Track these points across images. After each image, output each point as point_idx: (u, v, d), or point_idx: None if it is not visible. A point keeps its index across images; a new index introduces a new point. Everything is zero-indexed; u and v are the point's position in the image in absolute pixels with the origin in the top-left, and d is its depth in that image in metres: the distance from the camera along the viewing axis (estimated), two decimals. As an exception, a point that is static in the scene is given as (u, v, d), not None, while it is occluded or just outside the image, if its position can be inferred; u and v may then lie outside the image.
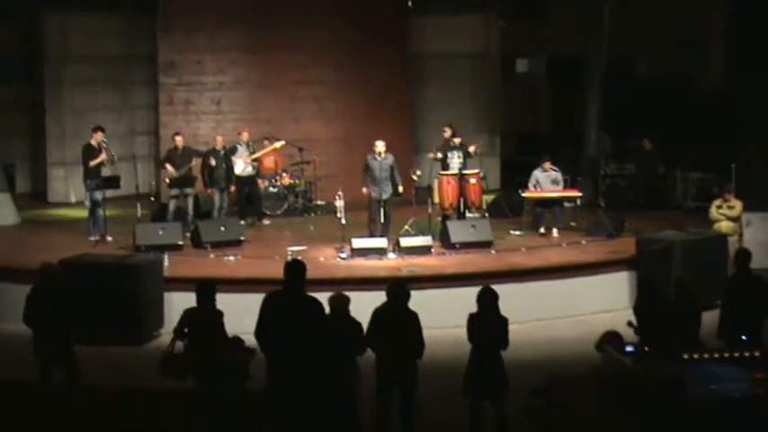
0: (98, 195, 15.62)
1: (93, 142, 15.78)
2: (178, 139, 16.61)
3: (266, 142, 18.25)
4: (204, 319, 9.12)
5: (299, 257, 13.23)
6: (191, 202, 16.31)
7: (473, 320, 9.12)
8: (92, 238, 15.41)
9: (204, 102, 20.31)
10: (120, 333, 12.36)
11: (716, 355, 8.48)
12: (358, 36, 20.23)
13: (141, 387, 10.56)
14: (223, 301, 9.47)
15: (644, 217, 17.16)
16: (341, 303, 8.99)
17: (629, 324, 10.08)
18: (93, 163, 15.66)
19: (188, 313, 9.24)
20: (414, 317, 9.02)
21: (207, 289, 9.29)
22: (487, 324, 9.06)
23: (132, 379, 10.98)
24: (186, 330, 9.19)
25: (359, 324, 8.93)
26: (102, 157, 15.64)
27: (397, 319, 8.95)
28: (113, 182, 15.83)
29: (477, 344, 9.09)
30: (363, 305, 9.28)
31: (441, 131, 17.44)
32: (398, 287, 9.11)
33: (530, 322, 12.91)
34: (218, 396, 8.85)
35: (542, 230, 16.12)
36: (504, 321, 9.14)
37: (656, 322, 9.98)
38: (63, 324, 9.87)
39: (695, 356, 8.49)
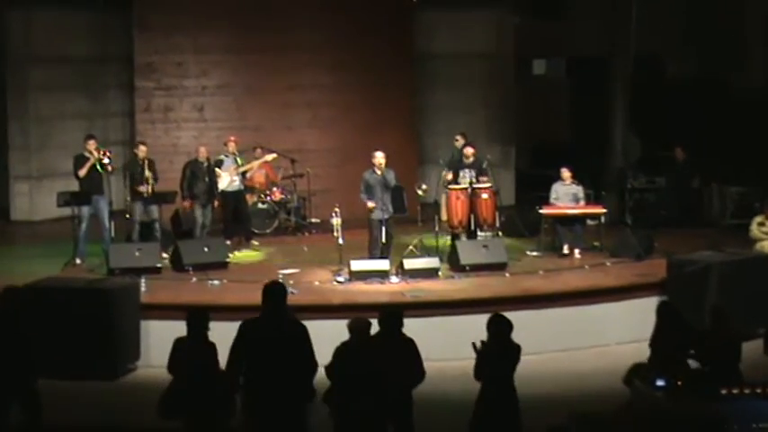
0: (81, 211, 15.66)
1: (85, 152, 15.88)
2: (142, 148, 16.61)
3: (258, 151, 18.28)
4: (196, 352, 9.15)
5: (282, 280, 13.31)
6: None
7: (482, 353, 9.11)
8: (78, 261, 15.51)
9: (185, 108, 20.38)
10: (91, 366, 12.33)
11: (758, 390, 8.49)
12: (357, 35, 20.31)
13: (117, 426, 10.65)
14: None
15: (676, 236, 17.17)
16: (362, 328, 9.04)
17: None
18: (81, 172, 15.74)
19: (178, 343, 9.27)
20: (411, 343, 9.05)
21: (199, 317, 9.32)
22: (499, 355, 9.06)
23: (106, 417, 11.02)
24: (174, 362, 9.22)
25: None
26: (90, 162, 15.69)
27: (392, 349, 8.97)
28: (84, 197, 15.81)
29: (486, 380, 9.08)
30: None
31: (451, 141, 17.49)
32: (392, 315, 9.12)
33: (549, 353, 12.92)
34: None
35: (565, 251, 16.12)
36: (517, 350, 9.13)
37: (679, 352, 10.01)
38: (26, 355, 9.87)
39: (735, 391, 8.50)
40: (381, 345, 9.04)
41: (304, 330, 8.41)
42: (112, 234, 15.96)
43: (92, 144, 15.97)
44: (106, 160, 15.79)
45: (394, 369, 8.89)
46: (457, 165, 16.32)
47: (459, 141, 17.46)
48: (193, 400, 9.01)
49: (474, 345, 9.12)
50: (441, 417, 10.12)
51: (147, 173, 16.15)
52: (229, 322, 12.37)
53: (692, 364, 10.26)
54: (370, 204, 14.81)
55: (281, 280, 13.28)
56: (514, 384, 9.09)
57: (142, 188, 16.07)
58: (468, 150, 16.33)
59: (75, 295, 12.83)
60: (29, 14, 20.25)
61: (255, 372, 8.25)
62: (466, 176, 16.07)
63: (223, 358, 9.25)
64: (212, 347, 9.29)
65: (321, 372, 8.77)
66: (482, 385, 9.10)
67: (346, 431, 8.89)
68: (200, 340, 9.25)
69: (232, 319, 12.51)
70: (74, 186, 16.05)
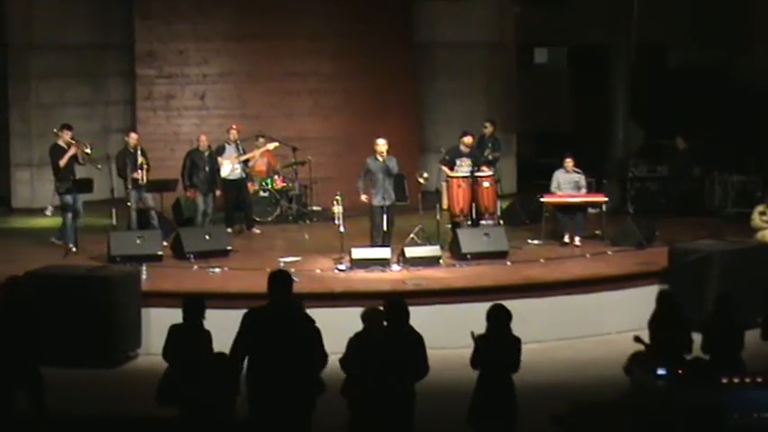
0: (68, 199, 15.64)
1: (61, 142, 15.75)
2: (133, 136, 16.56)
3: (261, 140, 18.26)
4: (191, 338, 9.15)
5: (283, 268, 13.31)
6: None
7: (481, 343, 9.08)
8: (53, 239, 15.56)
9: (187, 96, 20.35)
10: (92, 354, 12.34)
11: (759, 380, 8.48)
12: (358, 22, 20.27)
13: (116, 414, 10.65)
14: (208, 317, 9.50)
15: (677, 224, 17.16)
16: (376, 318, 9.01)
17: (637, 339, 10.15)
18: (62, 162, 15.65)
19: (174, 330, 9.28)
20: (418, 337, 8.98)
21: (195, 305, 9.32)
22: (498, 345, 9.03)
23: (106, 405, 11.02)
24: (170, 349, 9.23)
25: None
26: (72, 151, 15.60)
27: (397, 342, 8.91)
28: (85, 185, 15.82)
29: (482, 369, 9.06)
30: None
31: (452, 129, 17.47)
32: (398, 306, 9.03)
33: (550, 342, 12.92)
34: (204, 423, 8.88)
35: (566, 239, 16.11)
36: (517, 342, 9.10)
37: (671, 340, 10.03)
38: (32, 344, 9.88)
39: (735, 381, 8.49)
40: (390, 336, 8.98)
41: (314, 327, 8.29)
42: (113, 222, 15.93)
43: (68, 134, 15.78)
44: (89, 150, 15.73)
45: (401, 362, 8.85)
46: (454, 154, 16.30)
47: (488, 128, 18.06)
48: (189, 386, 9.00)
49: (472, 334, 9.09)
50: (441, 404, 10.10)
51: (141, 159, 16.09)
52: (230, 310, 12.48)
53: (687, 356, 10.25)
54: (364, 197, 14.83)
55: (282, 267, 13.31)
56: (511, 374, 9.06)
57: (136, 175, 16.03)
58: (467, 139, 16.31)
59: (75, 283, 12.85)
60: (30, 2, 20.24)
61: (259, 362, 8.17)
62: (462, 165, 16.08)
63: (221, 345, 9.27)
64: (207, 334, 9.30)
65: (331, 363, 8.67)
66: (479, 374, 9.08)
67: (363, 423, 8.83)
68: (195, 328, 9.24)
69: (233, 307, 12.58)
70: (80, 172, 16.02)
